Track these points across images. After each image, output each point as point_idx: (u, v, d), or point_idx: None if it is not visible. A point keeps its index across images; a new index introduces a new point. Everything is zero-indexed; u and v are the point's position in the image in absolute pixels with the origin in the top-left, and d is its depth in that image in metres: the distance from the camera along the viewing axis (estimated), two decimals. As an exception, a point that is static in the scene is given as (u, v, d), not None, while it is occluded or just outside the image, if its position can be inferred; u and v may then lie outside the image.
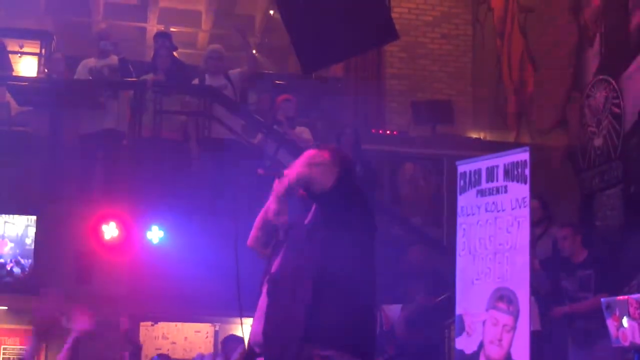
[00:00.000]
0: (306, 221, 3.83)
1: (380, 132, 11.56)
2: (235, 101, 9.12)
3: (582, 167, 9.34)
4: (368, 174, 8.93)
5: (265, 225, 3.92)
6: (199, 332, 13.16)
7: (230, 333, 9.79)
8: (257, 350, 3.73)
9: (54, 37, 11.43)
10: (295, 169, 3.76)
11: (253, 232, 3.97)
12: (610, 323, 5.97)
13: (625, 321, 5.82)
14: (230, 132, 8.81)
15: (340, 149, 4.08)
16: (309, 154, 3.79)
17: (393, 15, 8.87)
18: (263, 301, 3.73)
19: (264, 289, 3.76)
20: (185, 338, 13.10)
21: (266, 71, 14.11)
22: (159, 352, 11.98)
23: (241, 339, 8.03)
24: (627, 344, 5.89)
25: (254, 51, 10.79)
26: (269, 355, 3.59)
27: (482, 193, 6.73)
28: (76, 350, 4.88)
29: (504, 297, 6.41)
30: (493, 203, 6.63)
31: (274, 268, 3.79)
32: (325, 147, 3.82)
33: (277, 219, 3.79)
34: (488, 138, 11.77)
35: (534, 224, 7.74)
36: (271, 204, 3.79)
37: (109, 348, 8.48)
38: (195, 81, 9.23)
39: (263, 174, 4.04)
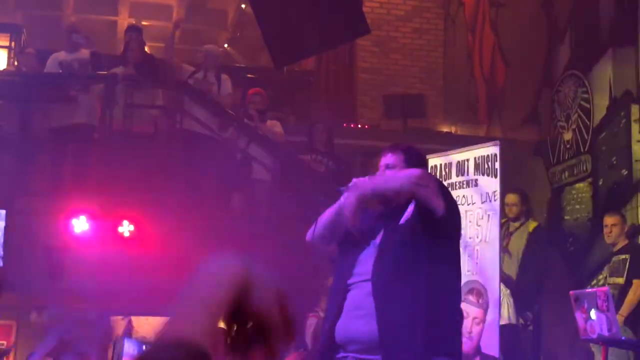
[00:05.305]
0: (401, 222, 3.80)
1: (352, 126, 11.59)
2: (206, 95, 9.10)
3: (552, 161, 9.42)
4: (340, 168, 8.95)
5: (335, 225, 3.93)
6: (170, 326, 13.15)
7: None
8: (351, 347, 3.71)
9: (24, 30, 11.33)
10: (395, 180, 3.77)
11: (319, 230, 3.95)
12: (579, 315, 6.03)
13: (593, 313, 5.88)
14: (201, 125, 8.79)
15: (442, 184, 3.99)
16: (415, 173, 3.73)
17: (364, 9, 8.89)
18: (361, 300, 3.70)
19: (363, 288, 3.73)
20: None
21: (238, 65, 14.11)
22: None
23: None
24: (594, 336, 5.95)
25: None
26: (389, 356, 3.57)
27: (452, 186, 6.77)
28: None
29: (474, 290, 6.46)
30: (463, 196, 6.68)
31: (367, 268, 3.75)
32: (430, 176, 3.76)
33: (353, 222, 3.76)
34: (459, 132, 11.82)
35: (512, 219, 7.79)
36: (349, 206, 3.74)
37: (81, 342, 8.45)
38: (189, 69, 9.19)
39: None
